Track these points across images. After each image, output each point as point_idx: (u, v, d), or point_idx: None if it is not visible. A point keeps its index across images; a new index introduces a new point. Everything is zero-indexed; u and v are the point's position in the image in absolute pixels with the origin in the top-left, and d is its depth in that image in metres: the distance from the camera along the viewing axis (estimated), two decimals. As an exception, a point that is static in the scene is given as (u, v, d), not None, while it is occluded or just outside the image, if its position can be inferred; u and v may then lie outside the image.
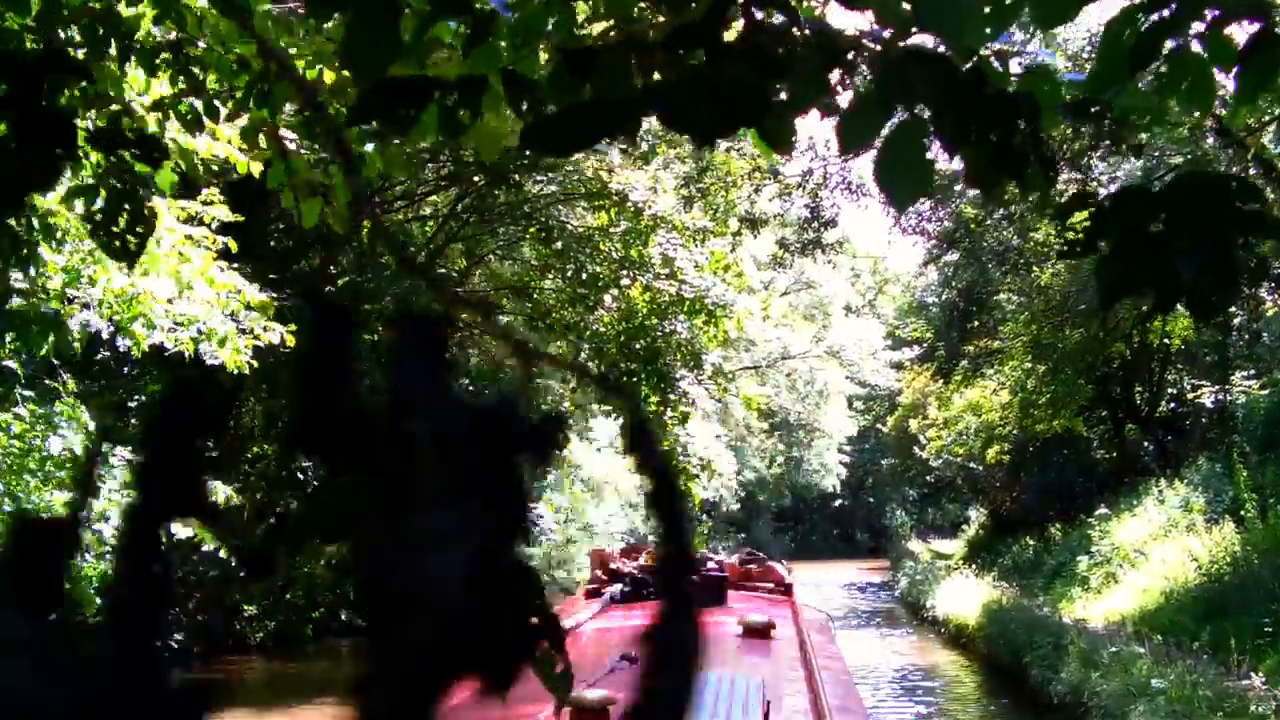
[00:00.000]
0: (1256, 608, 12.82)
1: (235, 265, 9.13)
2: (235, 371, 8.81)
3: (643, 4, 1.91)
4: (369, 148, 4.08)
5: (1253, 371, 20.63)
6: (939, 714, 15.27)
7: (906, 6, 1.47)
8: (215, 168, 7.20)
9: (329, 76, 4.03)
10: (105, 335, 8.16)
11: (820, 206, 19.04)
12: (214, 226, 8.70)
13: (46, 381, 9.41)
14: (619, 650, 5.75)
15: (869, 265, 61.92)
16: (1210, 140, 15.38)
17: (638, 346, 20.66)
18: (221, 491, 9.34)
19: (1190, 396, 23.10)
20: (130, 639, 1.13)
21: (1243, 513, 15.47)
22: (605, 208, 19.28)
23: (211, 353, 8.38)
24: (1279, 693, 10.16)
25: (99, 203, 3.51)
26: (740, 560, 10.06)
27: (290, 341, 9.13)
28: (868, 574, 42.84)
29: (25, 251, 5.10)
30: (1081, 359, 22.48)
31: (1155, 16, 1.74)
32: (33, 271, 6.35)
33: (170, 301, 8.12)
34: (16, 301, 6.90)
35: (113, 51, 3.86)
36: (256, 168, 5.03)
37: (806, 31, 1.55)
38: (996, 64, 1.71)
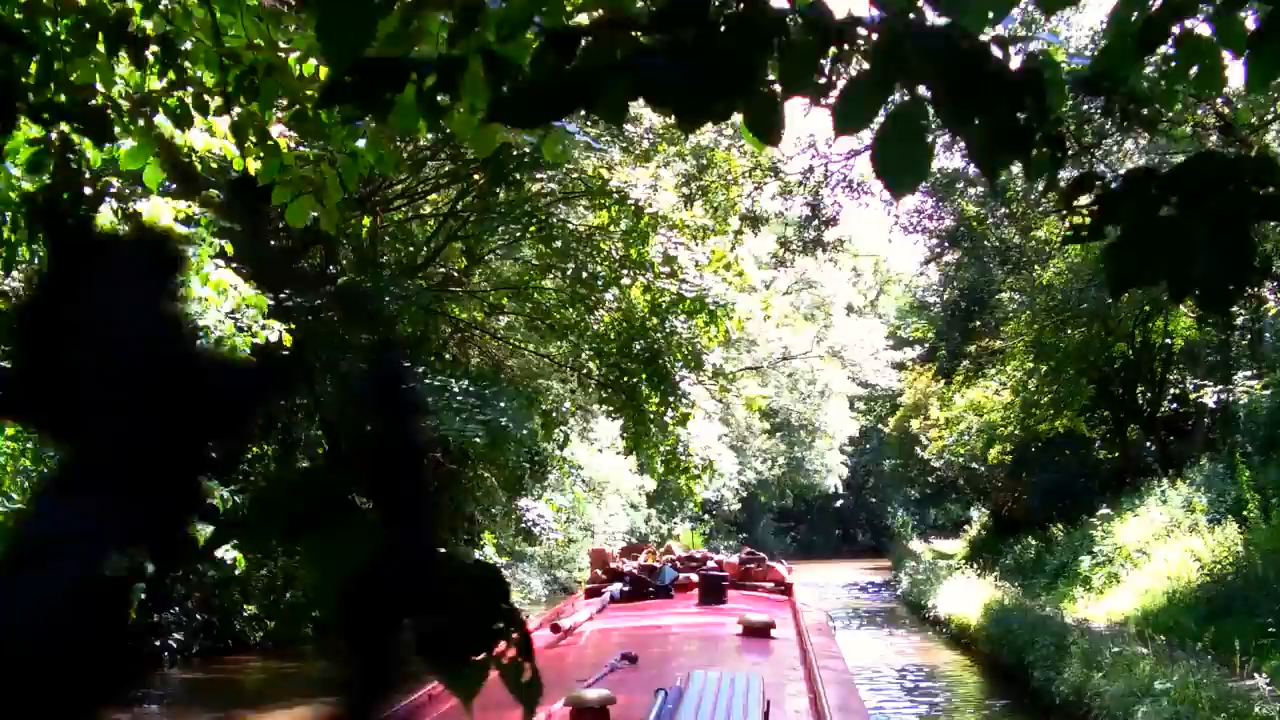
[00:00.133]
0: (1260, 608, 12.77)
1: (234, 265, 9.09)
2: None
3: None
4: (361, 144, 4.03)
5: (1255, 371, 20.56)
6: (940, 715, 15.21)
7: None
8: (214, 165, 7.16)
9: (324, 72, 3.97)
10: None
11: (821, 205, 18.98)
12: (212, 230, 8.66)
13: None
14: (619, 650, 5.71)
15: (870, 265, 61.88)
16: (1214, 139, 15.32)
17: (638, 347, 20.62)
18: (220, 492, 9.27)
19: (1192, 396, 23.02)
20: None
21: (1245, 513, 15.42)
22: (606, 206, 19.24)
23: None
24: (1283, 694, 10.11)
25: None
26: (740, 560, 10.01)
27: (288, 340, 9.10)
28: (869, 574, 42.78)
29: (5, 252, 5.04)
30: (1083, 358, 22.43)
31: (1164, -3, 1.68)
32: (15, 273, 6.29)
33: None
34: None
35: (100, 47, 3.81)
36: (255, 164, 4.98)
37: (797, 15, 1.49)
38: (997, 52, 1.65)
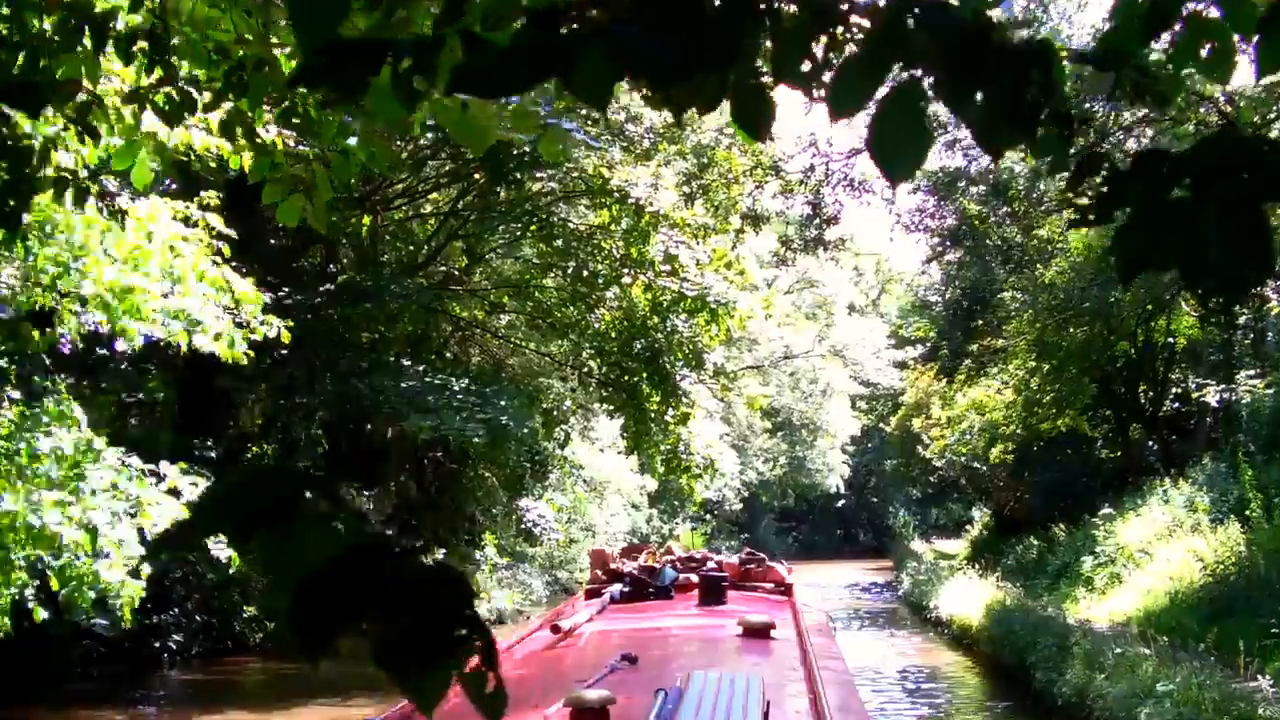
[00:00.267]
0: (1263, 608, 12.72)
1: (234, 263, 9.06)
2: (231, 362, 8.75)
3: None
4: (352, 141, 3.97)
5: (1258, 370, 20.50)
6: (942, 716, 15.16)
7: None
8: (212, 164, 7.12)
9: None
10: (98, 330, 8.08)
11: (822, 203, 18.93)
12: (211, 229, 8.63)
13: (35, 379, 9.33)
14: (618, 650, 5.67)
15: (872, 264, 61.86)
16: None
17: (638, 347, 20.59)
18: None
19: (1195, 395, 22.96)
20: None
21: (1248, 512, 15.37)
22: (607, 205, 19.20)
23: (205, 345, 8.29)
24: (1286, 695, 10.06)
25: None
26: (740, 560, 9.96)
27: (286, 338, 9.07)
28: (871, 574, 42.76)
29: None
30: (1086, 357, 22.39)
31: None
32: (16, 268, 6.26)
33: (166, 296, 8.04)
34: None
35: (87, 43, 3.76)
36: (248, 160, 4.92)
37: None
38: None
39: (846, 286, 57.05)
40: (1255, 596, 13.22)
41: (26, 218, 6.47)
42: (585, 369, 23.16)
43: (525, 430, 19.83)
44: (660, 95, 1.53)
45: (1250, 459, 16.67)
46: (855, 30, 1.47)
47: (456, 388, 19.08)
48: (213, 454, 19.12)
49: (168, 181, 14.25)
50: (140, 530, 8.06)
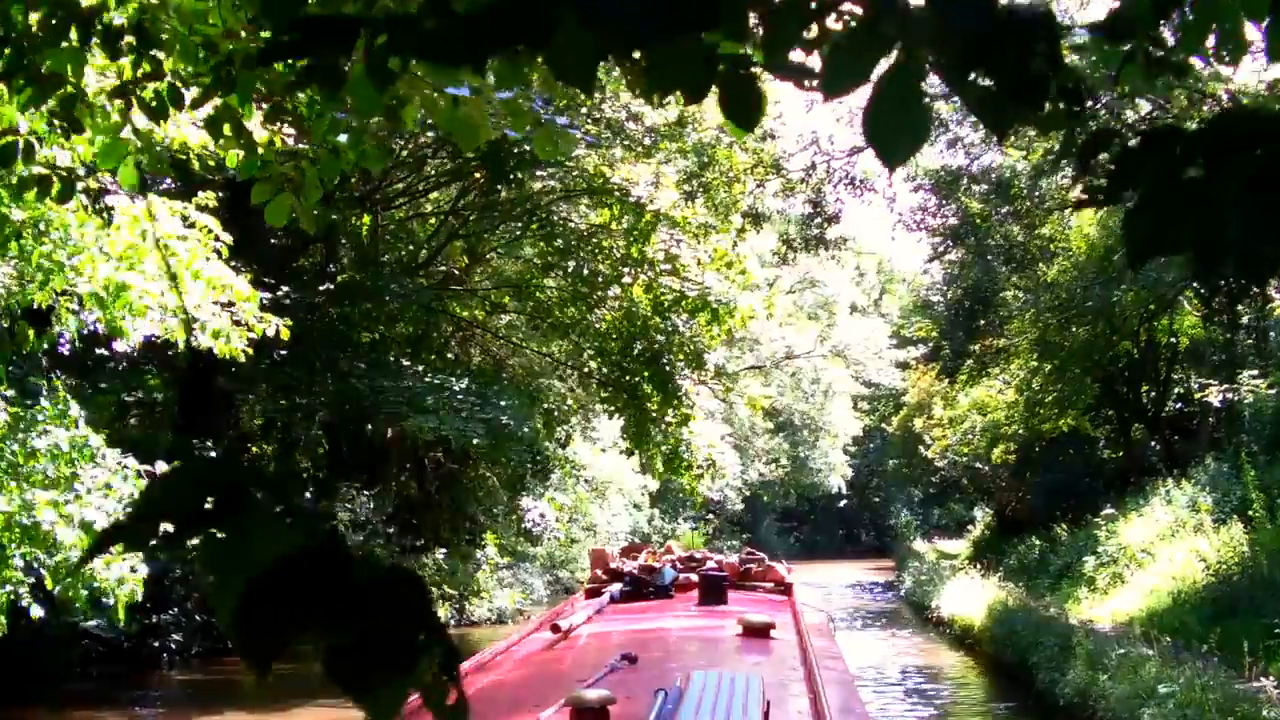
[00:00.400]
0: (1266, 609, 12.67)
1: (232, 263, 9.03)
2: (230, 362, 8.70)
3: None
4: (342, 138, 3.92)
5: (1260, 370, 20.44)
6: (944, 717, 15.11)
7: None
8: (211, 162, 7.07)
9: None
10: (97, 330, 8.04)
11: (823, 202, 18.88)
12: (209, 231, 8.59)
13: (32, 378, 9.29)
14: (618, 650, 5.65)
15: (874, 264, 61.82)
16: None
17: (638, 348, 20.55)
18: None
19: (1197, 395, 22.89)
20: None
21: (1251, 513, 15.31)
22: (608, 204, 19.16)
23: (203, 342, 8.25)
24: (1290, 695, 10.00)
25: None
26: (740, 560, 9.94)
27: (286, 335, 9.03)
28: (872, 574, 42.70)
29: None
30: (1088, 357, 22.33)
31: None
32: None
33: (162, 294, 8.00)
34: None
35: (74, 37, 3.71)
36: (238, 157, 4.87)
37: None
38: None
39: (848, 286, 57.00)
40: (1258, 597, 13.16)
41: (20, 215, 6.44)
42: (585, 369, 23.12)
43: (526, 430, 19.79)
44: (642, 78, 1.47)
45: (1253, 459, 16.61)
46: (850, 3, 1.42)
47: (457, 388, 19.04)
48: (213, 454, 19.11)
49: (167, 181, 14.24)
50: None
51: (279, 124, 4.08)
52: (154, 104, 4.00)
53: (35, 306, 7.91)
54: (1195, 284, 21.17)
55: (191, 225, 8.59)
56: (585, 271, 20.25)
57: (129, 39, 3.78)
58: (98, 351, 17.68)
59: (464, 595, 24.17)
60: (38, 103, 3.92)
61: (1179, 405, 25.40)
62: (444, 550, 24.93)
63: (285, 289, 17.73)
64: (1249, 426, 18.86)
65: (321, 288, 19.95)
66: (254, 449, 21.79)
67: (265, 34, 3.76)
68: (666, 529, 40.07)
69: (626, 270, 19.90)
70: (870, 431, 55.81)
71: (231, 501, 1.03)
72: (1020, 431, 26.37)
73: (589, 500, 33.60)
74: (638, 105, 18.49)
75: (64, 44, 3.74)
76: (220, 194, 9.90)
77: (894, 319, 53.63)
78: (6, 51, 3.62)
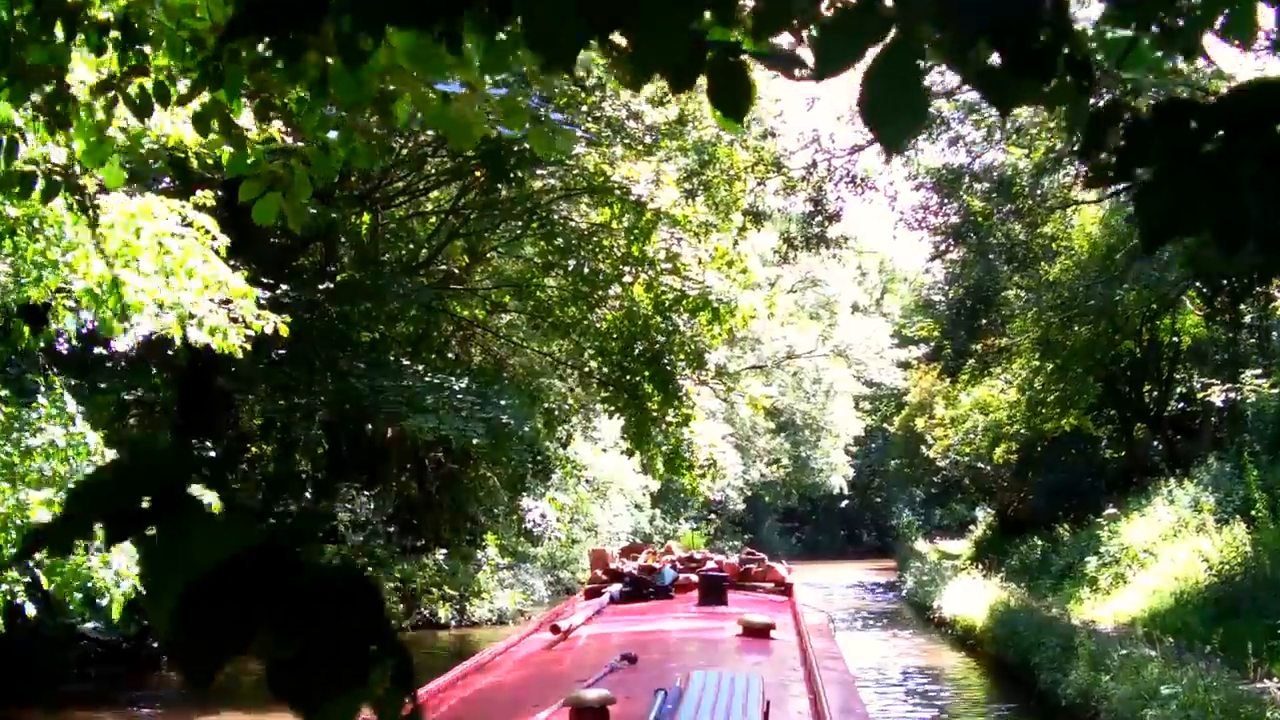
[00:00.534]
0: (1269, 609, 12.62)
1: (231, 262, 8.98)
2: (230, 362, 8.67)
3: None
4: (333, 135, 3.86)
5: (1263, 370, 20.40)
6: (946, 717, 15.06)
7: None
8: (210, 161, 7.01)
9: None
10: (92, 327, 8.00)
11: (824, 200, 18.83)
12: (206, 231, 8.54)
13: (29, 375, 9.25)
14: (618, 650, 5.64)
15: (876, 263, 61.83)
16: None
17: (639, 348, 20.51)
18: (207, 500, 9.10)
19: (1200, 395, 22.85)
20: None
21: (1253, 513, 15.27)
22: (609, 203, 19.12)
23: (200, 338, 8.21)
24: (1294, 696, 9.94)
25: None
26: (740, 560, 9.92)
27: (285, 331, 8.98)
28: (874, 574, 42.66)
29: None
30: (1090, 356, 22.28)
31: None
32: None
33: (158, 291, 7.96)
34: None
35: (59, 32, 3.65)
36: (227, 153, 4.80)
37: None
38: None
39: (850, 286, 56.99)
40: (1261, 597, 13.11)
41: (14, 211, 6.40)
42: (586, 369, 23.08)
43: (526, 430, 19.75)
44: (625, 63, 1.42)
45: (1255, 459, 16.55)
46: None
47: (457, 387, 19.00)
48: (212, 454, 19.07)
49: (165, 180, 14.20)
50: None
51: (268, 120, 4.02)
52: (139, 100, 3.94)
53: (31, 304, 7.87)
54: (1198, 283, 21.14)
55: (189, 224, 8.55)
56: (586, 270, 20.21)
57: (115, 34, 3.72)
58: (97, 351, 17.65)
59: (464, 596, 24.13)
60: (22, 97, 3.87)
61: (1181, 405, 25.35)
62: (444, 551, 24.89)
63: (285, 287, 17.69)
64: (1251, 426, 18.80)
65: (321, 287, 19.91)
66: (253, 449, 21.75)
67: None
68: (668, 529, 40.04)
69: (627, 269, 19.86)
70: (872, 431, 55.79)
71: (168, 499, 0.96)
72: (1022, 431, 26.32)
73: (590, 500, 33.56)
74: (638, 104, 18.45)
75: (47, 39, 3.68)
76: (219, 193, 9.85)
77: (896, 318, 53.61)
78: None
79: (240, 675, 17.65)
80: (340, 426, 22.41)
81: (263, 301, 9.49)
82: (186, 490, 0.97)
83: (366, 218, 21.47)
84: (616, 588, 9.02)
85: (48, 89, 3.84)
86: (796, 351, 45.63)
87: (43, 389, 8.85)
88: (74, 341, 9.37)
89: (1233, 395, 20.77)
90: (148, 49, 3.80)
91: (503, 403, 19.08)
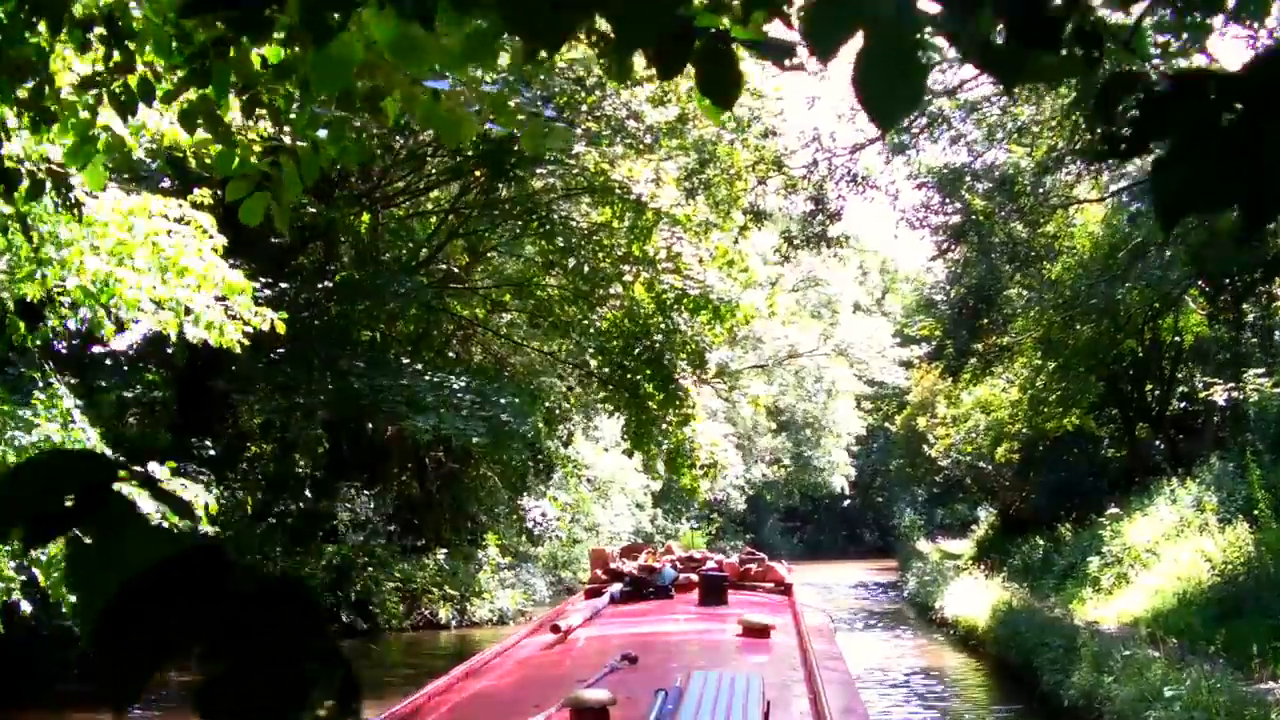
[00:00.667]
0: (1273, 609, 12.57)
1: (231, 261, 8.96)
2: (230, 361, 8.65)
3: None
4: (322, 133, 3.80)
5: (1266, 369, 20.35)
6: (948, 718, 15.00)
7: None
8: (208, 160, 6.97)
9: (272, 54, 3.73)
10: (86, 326, 7.97)
11: (825, 198, 18.78)
12: (203, 230, 8.52)
13: (25, 372, 9.22)
14: (618, 650, 5.60)
15: (877, 263, 61.85)
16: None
17: (639, 349, 20.48)
18: (202, 499, 9.09)
19: (1202, 394, 22.80)
20: None
21: (1256, 512, 15.22)
22: (610, 202, 19.09)
23: (197, 335, 8.18)
24: (1299, 697, 9.89)
25: None
26: (740, 560, 9.88)
27: (281, 328, 8.95)
28: (876, 574, 42.61)
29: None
30: (1092, 355, 22.23)
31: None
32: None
33: (154, 289, 7.93)
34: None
35: (42, 29, 3.60)
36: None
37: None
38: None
39: (851, 285, 57.00)
40: (1265, 597, 13.06)
41: (5, 209, 6.35)
42: (586, 369, 23.06)
43: (526, 429, 19.71)
44: (608, 49, 1.37)
45: (1258, 458, 16.50)
46: None
47: (457, 386, 18.96)
48: (212, 453, 19.05)
49: (165, 180, 14.17)
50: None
51: (255, 117, 3.97)
52: (124, 98, 3.88)
53: (28, 301, 7.83)
54: (1200, 282, 21.09)
55: (186, 222, 8.52)
56: (586, 269, 20.18)
57: (99, 30, 3.67)
58: (95, 350, 17.62)
59: (465, 596, 24.10)
60: (7, 92, 3.81)
61: (1183, 404, 25.30)
62: (445, 550, 24.87)
63: (284, 286, 17.67)
64: (1254, 425, 18.75)
65: (321, 286, 19.88)
66: (253, 448, 21.72)
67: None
68: (670, 529, 40.04)
69: (627, 268, 19.83)
70: (874, 431, 55.76)
71: (93, 498, 0.89)
72: (1024, 430, 26.28)
73: (591, 500, 33.55)
74: (638, 103, 18.42)
75: (32, 34, 3.63)
76: (218, 192, 9.84)
77: (897, 317, 53.59)
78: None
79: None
80: (340, 426, 22.39)
81: (261, 299, 9.47)
82: (114, 489, 0.90)
83: (366, 217, 21.44)
84: (617, 588, 8.98)
85: (31, 84, 3.79)
86: (798, 351, 45.61)
87: (40, 386, 8.83)
88: (71, 341, 9.36)
89: (1235, 394, 20.72)
90: (132, 45, 3.74)
91: (503, 401, 19.04)
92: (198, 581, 0.84)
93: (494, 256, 24.26)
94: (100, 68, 3.89)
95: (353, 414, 20.28)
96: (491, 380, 20.58)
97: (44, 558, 7.66)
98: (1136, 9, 1.56)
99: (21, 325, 7.49)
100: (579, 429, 29.29)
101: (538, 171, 18.99)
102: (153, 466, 8.92)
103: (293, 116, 3.84)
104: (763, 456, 50.57)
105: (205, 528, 9.11)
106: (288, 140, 4.14)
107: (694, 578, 8.88)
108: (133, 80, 3.85)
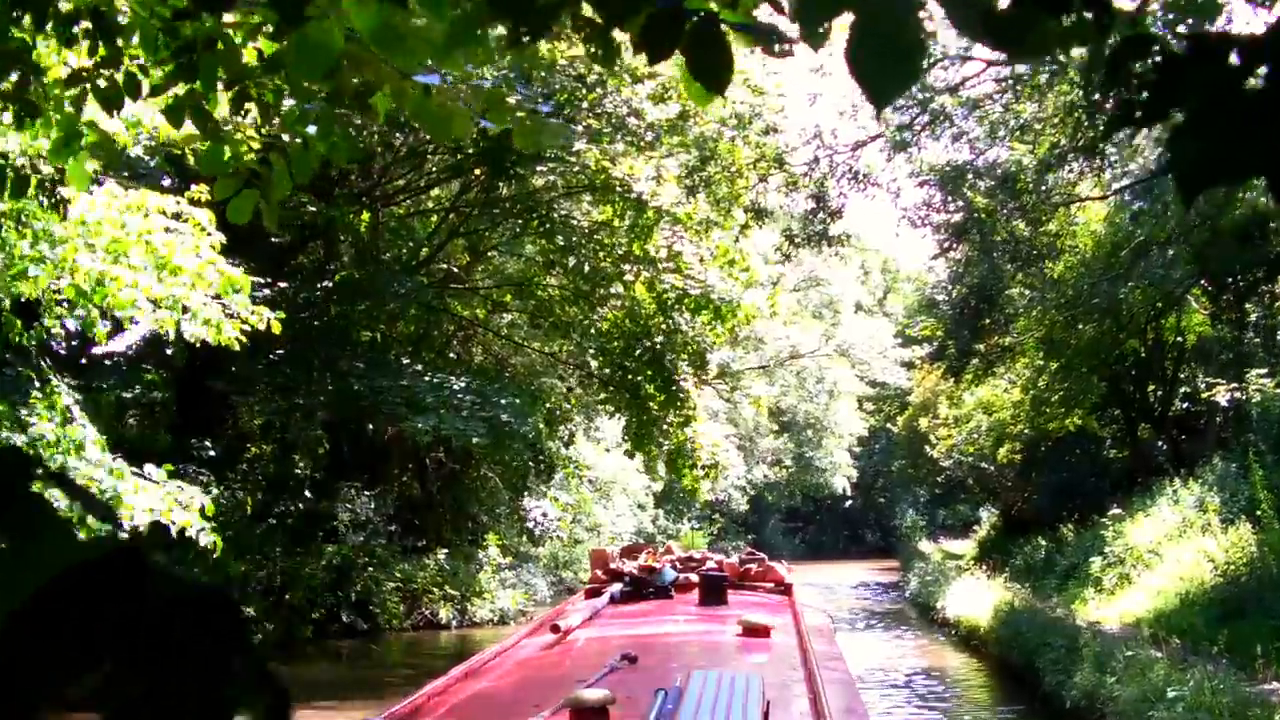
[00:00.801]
0: (1276, 609, 12.54)
1: (232, 260, 8.93)
2: (229, 360, 8.63)
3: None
4: (311, 130, 3.75)
5: (1268, 369, 20.29)
6: (949, 718, 14.95)
7: None
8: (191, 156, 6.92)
9: (260, 49, 3.67)
10: (79, 326, 7.94)
11: (826, 196, 18.74)
12: (201, 227, 8.48)
13: (23, 370, 9.19)
14: (618, 650, 5.58)
15: (879, 263, 61.86)
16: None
17: (640, 349, 20.44)
18: (199, 499, 9.06)
19: (1205, 394, 22.75)
20: None
21: (1259, 513, 15.17)
22: (611, 201, 19.04)
23: (196, 332, 8.14)
24: (1302, 698, 9.84)
25: None
26: (740, 560, 9.86)
27: (277, 328, 8.90)
28: (878, 574, 42.57)
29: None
30: (1095, 355, 22.20)
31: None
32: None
33: (151, 287, 7.89)
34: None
35: (26, 21, 3.55)
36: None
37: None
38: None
39: (853, 285, 56.98)
40: (1268, 597, 13.02)
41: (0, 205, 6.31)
42: (586, 369, 23.02)
43: (527, 429, 19.67)
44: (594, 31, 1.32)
45: (1261, 458, 16.45)
46: None
47: (457, 386, 18.92)
48: (212, 454, 19.01)
49: (163, 177, 14.12)
50: (119, 524, 7.93)
51: (244, 112, 3.91)
52: (109, 93, 3.82)
53: (24, 300, 7.79)
54: (1203, 281, 21.04)
55: (184, 219, 8.47)
56: (587, 269, 20.14)
57: (84, 24, 3.61)
58: (95, 351, 17.58)
59: (466, 596, 24.07)
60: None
61: (1186, 404, 25.25)
62: (446, 551, 24.83)
63: (284, 285, 17.62)
64: (1257, 426, 18.69)
65: (320, 285, 19.84)
66: (253, 449, 21.68)
67: (228, 16, 3.60)
68: (672, 529, 40.03)
69: (628, 268, 19.79)
70: (875, 431, 55.76)
71: (5, 498, 0.82)
72: (1026, 431, 26.25)
73: (593, 500, 33.52)
74: (639, 101, 18.38)
75: (16, 30, 3.58)
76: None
77: (899, 318, 53.58)
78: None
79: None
80: (340, 426, 22.35)
81: (259, 299, 9.43)
82: (29, 489, 0.83)
83: (366, 215, 21.40)
84: (617, 588, 8.96)
85: (15, 76, 3.74)
86: (800, 351, 45.59)
87: (36, 384, 8.79)
88: (70, 342, 9.33)
89: (1238, 394, 20.67)
90: (118, 39, 3.69)
91: (503, 401, 19.00)
92: (111, 590, 0.76)
93: (494, 256, 24.23)
94: (86, 62, 3.83)
95: (353, 415, 20.25)
96: (492, 381, 20.54)
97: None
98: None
99: (18, 324, 7.45)
100: (580, 430, 29.24)
101: (538, 169, 18.94)
102: (149, 469, 8.88)
103: (282, 112, 3.79)
104: (764, 457, 50.56)
105: (204, 526, 9.08)
106: (282, 136, 4.10)
107: (694, 578, 8.86)
108: (118, 75, 3.80)
